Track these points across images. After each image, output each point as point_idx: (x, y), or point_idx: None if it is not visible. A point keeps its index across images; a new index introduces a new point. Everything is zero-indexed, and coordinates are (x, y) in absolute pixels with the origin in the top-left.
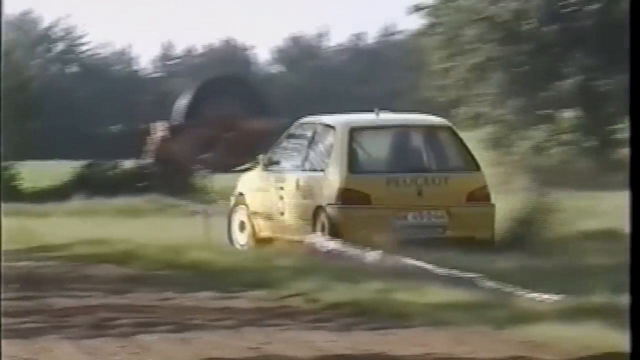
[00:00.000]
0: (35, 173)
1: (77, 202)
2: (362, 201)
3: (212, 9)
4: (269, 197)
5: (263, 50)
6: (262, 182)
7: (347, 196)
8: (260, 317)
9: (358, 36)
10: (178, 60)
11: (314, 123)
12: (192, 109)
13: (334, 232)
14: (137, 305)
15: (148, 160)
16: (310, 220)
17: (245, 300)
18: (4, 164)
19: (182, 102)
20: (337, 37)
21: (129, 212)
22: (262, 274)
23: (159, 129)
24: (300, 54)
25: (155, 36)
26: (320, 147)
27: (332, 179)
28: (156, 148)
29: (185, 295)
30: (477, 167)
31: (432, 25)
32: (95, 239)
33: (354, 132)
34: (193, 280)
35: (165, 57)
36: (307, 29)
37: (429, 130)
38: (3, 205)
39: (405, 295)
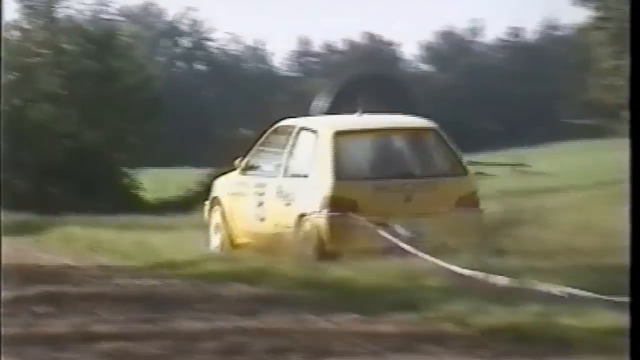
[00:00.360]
0: (158, 181)
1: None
2: (349, 208)
3: (352, 1)
4: (247, 203)
5: (410, 47)
6: (239, 187)
7: (333, 203)
8: (407, 342)
9: (516, 31)
10: (316, 57)
11: (294, 126)
12: (332, 111)
13: (320, 240)
14: (270, 328)
15: None
16: (292, 228)
17: (390, 323)
18: (124, 170)
19: (320, 104)
20: (493, 32)
21: None
22: (408, 295)
23: None
24: (452, 51)
25: (290, 31)
26: (303, 151)
27: (317, 185)
28: None
29: (324, 318)
30: (466, 172)
31: (600, 19)
32: (223, 255)
33: (339, 135)
34: (333, 301)
35: (301, 54)
36: (459, 23)
37: (415, 133)
38: (122, 217)
39: (569, 319)
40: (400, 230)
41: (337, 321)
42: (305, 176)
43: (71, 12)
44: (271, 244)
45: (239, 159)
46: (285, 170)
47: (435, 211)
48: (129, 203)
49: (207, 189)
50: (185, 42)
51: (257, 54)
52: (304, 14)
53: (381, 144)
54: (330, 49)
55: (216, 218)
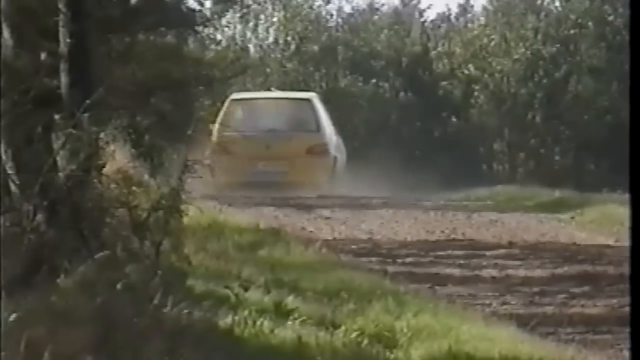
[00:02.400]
0: None
1: None
2: (224, 153)
3: None
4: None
5: None
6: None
7: (214, 150)
8: None
9: None
10: None
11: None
12: None
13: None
14: None
15: None
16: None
17: None
18: None
19: None
20: None
21: None
22: None
23: None
24: None
25: None
26: (221, 115)
27: (214, 137)
28: None
29: None
30: (318, 129)
31: None
32: None
33: (233, 102)
34: None
35: None
36: None
37: (293, 102)
38: None
39: None
40: (261, 169)
41: None
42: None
43: None
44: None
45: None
46: (215, 129)
47: (289, 156)
48: None
49: None
50: None
51: None
52: None
53: (264, 109)
54: None
55: None
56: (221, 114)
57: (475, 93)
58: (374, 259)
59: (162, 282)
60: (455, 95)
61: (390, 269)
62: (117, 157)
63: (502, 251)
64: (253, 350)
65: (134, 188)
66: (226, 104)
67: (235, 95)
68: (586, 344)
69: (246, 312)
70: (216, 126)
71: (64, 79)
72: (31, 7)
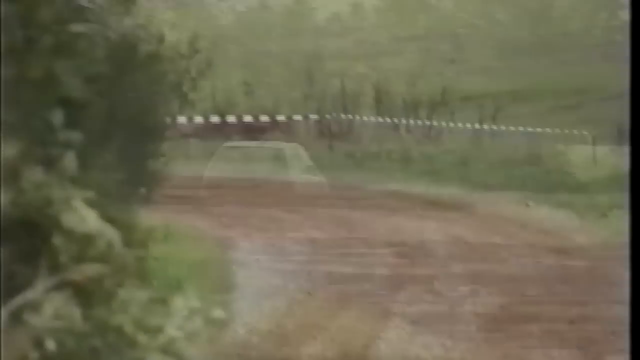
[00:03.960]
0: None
1: None
2: (217, 186)
3: None
4: None
5: None
6: None
7: (207, 184)
8: None
9: None
10: None
11: None
12: None
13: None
14: None
15: None
16: None
17: None
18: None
19: None
20: None
21: None
22: None
23: None
24: None
25: None
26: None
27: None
28: None
29: None
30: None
31: None
32: None
33: (225, 148)
34: None
35: None
36: None
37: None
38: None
39: None
40: None
41: None
42: None
43: None
44: None
45: None
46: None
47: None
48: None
49: None
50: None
51: None
52: None
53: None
54: None
55: None
56: (215, 157)
57: None
58: None
59: None
60: None
61: None
62: None
63: None
64: None
65: None
66: (220, 149)
67: (230, 143)
68: None
69: None
70: (209, 166)
71: None
72: None
